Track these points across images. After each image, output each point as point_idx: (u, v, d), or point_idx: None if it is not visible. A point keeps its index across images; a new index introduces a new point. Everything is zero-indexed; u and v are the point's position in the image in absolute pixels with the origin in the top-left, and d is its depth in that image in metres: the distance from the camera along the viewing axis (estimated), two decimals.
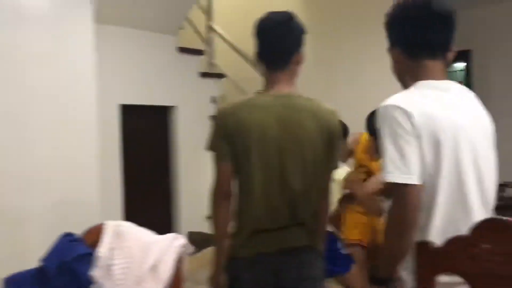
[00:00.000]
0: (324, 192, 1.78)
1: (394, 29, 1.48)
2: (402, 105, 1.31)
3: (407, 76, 1.47)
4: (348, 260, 2.84)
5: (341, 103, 3.43)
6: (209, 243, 3.85)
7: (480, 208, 1.39)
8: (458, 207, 1.36)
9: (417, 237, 1.34)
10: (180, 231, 4.30)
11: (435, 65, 1.43)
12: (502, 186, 4.83)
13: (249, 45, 4.99)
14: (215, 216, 1.70)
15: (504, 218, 1.26)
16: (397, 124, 1.30)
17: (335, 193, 2.56)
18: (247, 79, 4.73)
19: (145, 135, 4.18)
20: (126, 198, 3.88)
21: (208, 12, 4.82)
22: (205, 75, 4.57)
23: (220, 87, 4.72)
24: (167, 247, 1.22)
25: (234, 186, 1.69)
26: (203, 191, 4.26)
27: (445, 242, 1.31)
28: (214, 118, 1.75)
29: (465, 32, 5.38)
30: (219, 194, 1.69)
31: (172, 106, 4.31)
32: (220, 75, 4.72)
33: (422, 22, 1.41)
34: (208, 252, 3.98)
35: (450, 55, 1.46)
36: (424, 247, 1.33)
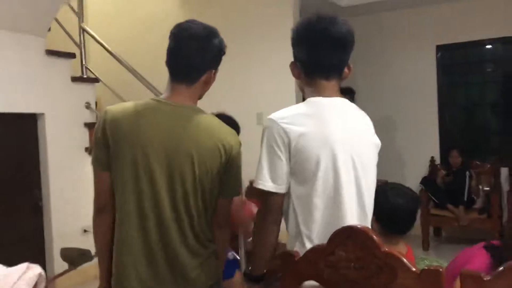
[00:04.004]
0: (221, 223, 1.62)
1: (294, 47, 1.57)
2: (282, 123, 1.43)
3: (304, 90, 1.60)
4: (233, 265, 2.87)
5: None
6: (87, 258, 3.64)
7: (358, 215, 1.51)
8: (335, 216, 1.46)
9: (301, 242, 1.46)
10: (52, 247, 4.02)
11: (328, 84, 1.55)
12: None
13: (124, 48, 4.85)
14: (94, 232, 1.61)
15: (356, 225, 1.36)
16: (274, 140, 1.43)
17: None
18: (123, 83, 4.58)
19: (7, 145, 3.83)
20: None
21: (79, 13, 4.56)
22: (77, 79, 4.32)
23: (94, 92, 4.50)
24: (17, 280, 1.12)
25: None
26: (80, 202, 4.07)
27: (307, 251, 1.38)
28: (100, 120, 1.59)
29: None
30: (95, 208, 1.58)
31: (39, 114, 4.00)
32: (93, 80, 4.50)
33: (317, 45, 1.51)
34: (87, 269, 3.78)
35: (347, 71, 1.58)
36: (288, 257, 1.39)
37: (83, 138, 4.31)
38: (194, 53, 1.53)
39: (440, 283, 1.18)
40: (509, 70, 5.29)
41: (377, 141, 1.62)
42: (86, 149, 4.29)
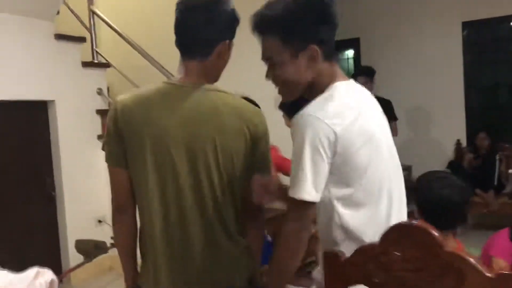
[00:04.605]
0: (253, 211, 1.46)
1: (316, 25, 1.29)
2: (326, 119, 1.22)
3: (314, 80, 1.33)
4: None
5: None
6: (102, 250, 3.52)
7: (403, 205, 1.40)
8: (388, 210, 1.34)
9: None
10: (66, 238, 3.90)
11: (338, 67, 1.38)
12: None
13: (136, 31, 4.66)
14: (114, 233, 1.46)
15: (411, 222, 1.18)
16: (319, 140, 1.21)
17: None
18: (135, 68, 4.41)
19: (17, 134, 3.70)
20: None
21: None
22: (88, 64, 4.16)
23: (105, 77, 4.33)
24: None
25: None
26: (94, 192, 3.94)
27: (355, 252, 1.20)
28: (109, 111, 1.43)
29: (354, 20, 5.57)
30: (114, 208, 1.43)
31: (50, 101, 3.85)
32: (105, 65, 4.33)
33: (336, 23, 1.31)
34: (102, 260, 3.66)
35: None
36: (332, 258, 1.21)
37: (96, 125, 4.16)
38: (201, 24, 1.34)
39: None
40: None
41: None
42: (99, 137, 4.15)
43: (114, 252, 3.62)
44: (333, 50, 1.34)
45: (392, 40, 5.43)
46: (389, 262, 1.13)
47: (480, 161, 4.79)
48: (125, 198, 1.40)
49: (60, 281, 3.71)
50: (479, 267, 1.04)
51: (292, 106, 3.54)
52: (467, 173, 4.81)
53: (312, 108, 1.25)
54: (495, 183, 4.66)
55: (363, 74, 4.42)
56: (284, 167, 2.74)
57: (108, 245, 3.69)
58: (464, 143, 5.19)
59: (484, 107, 5.36)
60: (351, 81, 1.37)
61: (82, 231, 3.89)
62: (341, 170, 1.25)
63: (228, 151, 1.35)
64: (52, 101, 3.83)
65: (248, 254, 1.45)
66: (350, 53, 5.88)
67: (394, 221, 1.29)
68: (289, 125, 3.58)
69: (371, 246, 1.17)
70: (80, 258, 3.62)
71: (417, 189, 1.78)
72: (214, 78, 1.44)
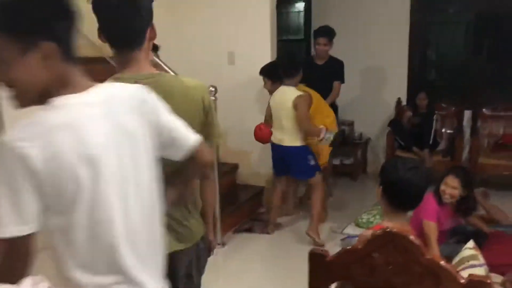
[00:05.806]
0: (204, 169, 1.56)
1: (43, 21, 1.09)
2: (25, 146, 1.03)
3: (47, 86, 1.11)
4: (314, 169, 3.57)
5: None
6: None
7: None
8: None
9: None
10: None
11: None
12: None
13: None
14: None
15: (396, 230, 1.27)
16: (14, 171, 1.04)
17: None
18: None
19: None
20: None
21: None
22: None
23: None
24: None
25: None
26: None
27: (339, 253, 1.29)
28: None
29: None
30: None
31: None
32: None
33: (73, 17, 1.12)
34: None
35: None
36: (317, 258, 1.30)
37: None
38: (131, 17, 1.41)
39: None
40: (481, 10, 5.22)
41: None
42: None
43: None
44: (75, 51, 1.13)
45: None
46: (373, 264, 1.23)
47: (419, 120, 5.03)
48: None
49: None
50: (454, 273, 1.16)
51: (270, 69, 3.60)
52: (405, 131, 5.07)
53: (10, 134, 1.06)
54: (431, 141, 4.95)
55: (325, 35, 4.34)
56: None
57: None
58: (404, 101, 5.41)
59: (426, 68, 5.57)
60: (89, 91, 1.14)
61: None
62: (53, 199, 1.08)
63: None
64: None
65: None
66: (300, 6, 5.83)
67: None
68: (268, 88, 3.65)
69: (356, 248, 1.26)
70: None
71: (383, 171, 1.88)
72: (150, 60, 1.55)
